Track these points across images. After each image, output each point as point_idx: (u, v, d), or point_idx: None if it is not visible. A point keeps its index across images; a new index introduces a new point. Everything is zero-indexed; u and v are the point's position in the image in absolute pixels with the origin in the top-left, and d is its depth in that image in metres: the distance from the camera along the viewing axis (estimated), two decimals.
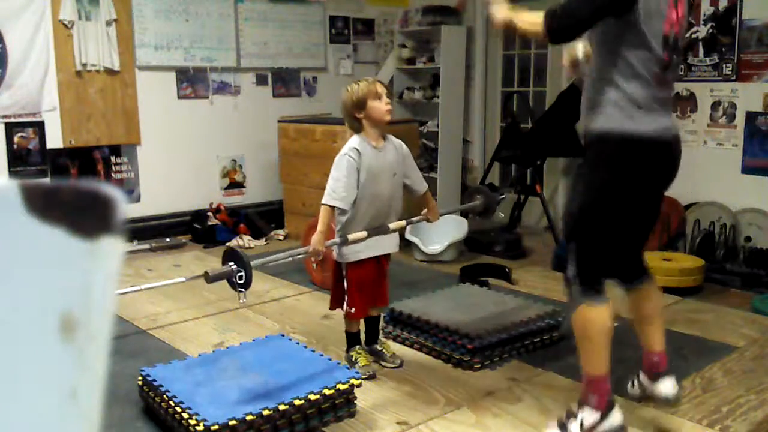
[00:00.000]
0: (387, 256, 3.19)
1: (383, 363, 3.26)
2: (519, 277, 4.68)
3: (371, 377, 3.09)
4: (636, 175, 2.26)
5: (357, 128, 3.01)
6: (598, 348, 2.32)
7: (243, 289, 2.71)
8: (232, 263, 2.73)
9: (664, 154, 2.28)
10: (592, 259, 2.32)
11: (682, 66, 5.12)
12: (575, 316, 2.35)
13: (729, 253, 4.76)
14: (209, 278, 2.72)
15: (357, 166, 2.94)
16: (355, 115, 2.96)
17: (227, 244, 5.72)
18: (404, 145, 3.15)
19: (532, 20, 2.27)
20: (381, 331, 3.45)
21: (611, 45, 2.22)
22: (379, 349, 3.29)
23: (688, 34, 5.06)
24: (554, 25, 2.19)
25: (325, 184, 3.02)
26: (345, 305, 3.12)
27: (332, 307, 3.24)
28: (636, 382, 2.65)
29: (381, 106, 2.93)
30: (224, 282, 4.68)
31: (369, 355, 3.27)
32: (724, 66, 4.93)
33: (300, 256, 3.22)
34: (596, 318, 2.30)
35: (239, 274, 2.70)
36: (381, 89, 2.94)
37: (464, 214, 6.03)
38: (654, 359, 2.56)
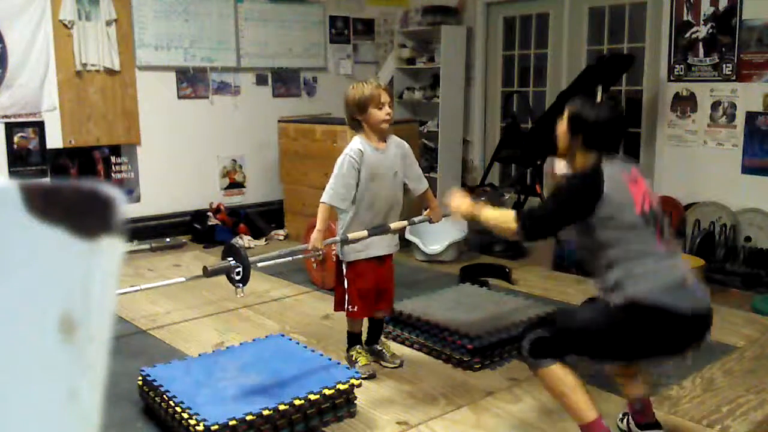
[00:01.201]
0: (389, 257, 3.19)
1: (383, 363, 3.26)
2: (519, 277, 4.68)
3: (371, 377, 3.09)
4: (659, 345, 2.26)
5: (356, 128, 3.02)
6: (576, 397, 2.30)
7: (241, 285, 2.72)
8: (231, 259, 2.74)
9: (698, 329, 2.28)
10: (563, 354, 2.31)
11: (682, 66, 5.12)
12: (542, 377, 2.35)
13: (729, 253, 4.76)
14: (208, 273, 2.73)
15: (357, 167, 2.94)
16: (354, 116, 2.98)
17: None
18: (406, 144, 3.15)
19: (502, 219, 2.42)
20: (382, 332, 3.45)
21: (608, 242, 2.26)
22: (380, 349, 3.29)
23: (688, 34, 5.06)
24: (527, 229, 2.34)
25: (325, 184, 3.03)
26: (346, 305, 3.11)
27: (336, 309, 3.23)
28: (626, 421, 2.62)
29: (380, 115, 2.92)
30: (224, 282, 4.67)
31: (369, 354, 3.27)
32: (724, 66, 4.93)
33: (299, 255, 3.22)
34: (559, 373, 2.29)
35: (237, 270, 2.71)
36: (385, 97, 2.93)
37: None
38: (637, 406, 2.52)
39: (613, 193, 2.25)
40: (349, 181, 2.95)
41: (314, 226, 3.03)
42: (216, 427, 2.35)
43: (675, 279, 2.23)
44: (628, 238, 2.24)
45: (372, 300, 3.13)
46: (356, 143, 2.98)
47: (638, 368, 2.51)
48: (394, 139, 3.11)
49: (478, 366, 3.19)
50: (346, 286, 3.10)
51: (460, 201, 2.61)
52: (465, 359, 3.20)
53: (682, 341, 2.28)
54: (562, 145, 2.45)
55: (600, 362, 2.37)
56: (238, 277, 2.71)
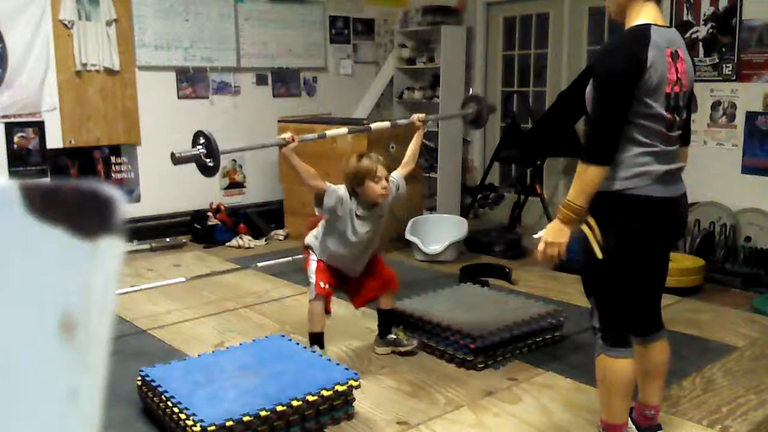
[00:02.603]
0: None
1: (402, 349, 3.34)
2: (519, 277, 4.68)
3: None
4: (642, 235, 2.23)
5: (353, 195, 3.12)
6: (615, 397, 2.30)
7: (211, 174, 2.75)
8: (201, 147, 2.74)
9: (670, 214, 2.25)
10: (612, 312, 2.31)
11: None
12: (597, 363, 2.34)
13: (729, 253, 4.76)
14: (175, 159, 2.73)
15: (339, 201, 3.04)
16: (353, 188, 3.08)
17: (227, 244, 5.73)
18: (393, 177, 3.19)
19: (580, 179, 2.17)
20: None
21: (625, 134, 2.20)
22: (394, 337, 3.37)
23: (688, 34, 5.06)
24: (590, 155, 2.15)
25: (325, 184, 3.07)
26: (312, 284, 3.17)
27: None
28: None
29: (376, 189, 3.04)
30: (225, 282, 4.68)
31: (385, 346, 3.37)
32: (724, 66, 4.93)
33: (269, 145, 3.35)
34: (617, 369, 2.28)
35: (207, 160, 2.73)
36: (381, 172, 3.04)
37: (464, 214, 6.04)
38: (648, 413, 2.52)
39: (655, 64, 2.10)
40: (336, 195, 3.04)
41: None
42: (213, 427, 2.35)
43: (658, 176, 2.19)
44: (644, 123, 2.15)
45: (338, 276, 3.23)
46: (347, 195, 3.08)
47: (662, 344, 2.49)
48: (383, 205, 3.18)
49: (481, 366, 3.19)
50: (313, 265, 3.19)
51: (554, 235, 2.25)
52: (468, 359, 3.20)
53: (660, 229, 2.25)
54: (614, 5, 2.26)
55: (625, 284, 2.28)
56: (209, 166, 2.71)
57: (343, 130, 3.52)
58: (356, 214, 3.08)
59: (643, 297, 2.41)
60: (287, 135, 2.94)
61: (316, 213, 3.09)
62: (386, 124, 3.57)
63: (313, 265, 3.20)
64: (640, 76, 2.10)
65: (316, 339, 3.24)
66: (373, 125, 3.59)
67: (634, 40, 2.14)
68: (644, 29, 2.14)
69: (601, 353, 2.31)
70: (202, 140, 2.80)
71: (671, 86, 2.16)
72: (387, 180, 3.09)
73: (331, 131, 3.44)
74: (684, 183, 2.33)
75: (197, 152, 2.72)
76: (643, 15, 2.18)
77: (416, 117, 3.42)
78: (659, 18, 2.21)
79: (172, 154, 2.71)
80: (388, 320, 3.38)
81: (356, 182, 3.06)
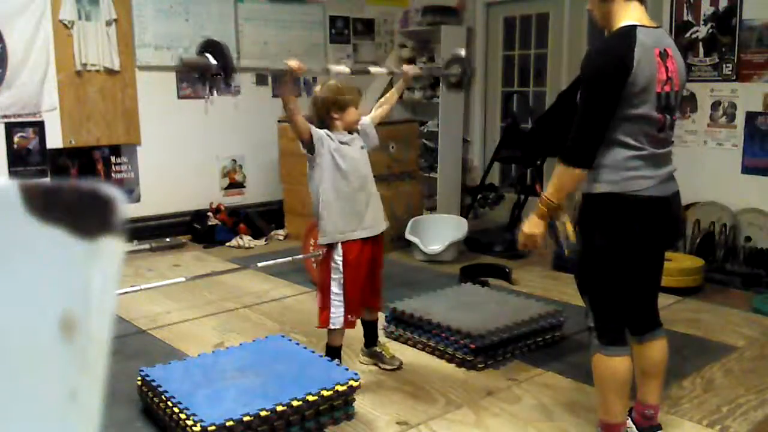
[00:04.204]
0: (379, 247, 3.09)
1: (382, 365, 3.23)
2: (519, 277, 4.68)
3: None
4: (633, 234, 2.22)
5: (323, 125, 2.97)
6: (612, 397, 2.30)
7: (213, 92, 2.53)
8: (211, 57, 2.41)
9: (661, 213, 2.24)
10: (606, 311, 2.30)
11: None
12: (593, 362, 2.34)
13: (729, 253, 4.76)
14: (183, 62, 2.52)
15: (320, 140, 2.90)
16: (331, 114, 2.95)
17: (227, 244, 5.73)
18: (363, 120, 3.10)
19: (558, 179, 2.23)
20: (382, 332, 3.44)
21: (610, 138, 2.19)
22: (379, 350, 3.26)
23: (688, 34, 5.05)
24: (571, 156, 2.18)
25: None
26: (338, 314, 2.98)
27: (323, 324, 3.06)
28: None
29: (356, 115, 3.01)
30: (225, 282, 4.67)
31: (368, 357, 3.27)
32: (724, 66, 4.93)
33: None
34: (613, 367, 2.28)
35: (219, 71, 2.41)
36: (359, 98, 3.05)
37: (464, 214, 6.04)
38: (648, 412, 2.51)
39: (642, 64, 2.08)
40: (317, 136, 2.91)
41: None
42: (213, 427, 2.35)
43: (647, 179, 2.19)
44: (633, 125, 2.14)
45: (364, 297, 3.04)
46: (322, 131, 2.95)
47: (660, 342, 2.48)
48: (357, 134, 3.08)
49: (481, 366, 3.19)
50: (337, 287, 2.97)
51: (530, 227, 2.37)
52: (468, 359, 3.20)
53: (651, 228, 2.24)
54: (598, 12, 2.25)
55: (618, 284, 2.29)
56: (215, 78, 2.40)
57: (346, 69, 3.54)
58: (340, 142, 2.94)
59: (638, 296, 2.41)
60: (294, 63, 2.88)
61: (306, 154, 2.96)
62: (383, 70, 3.84)
63: (337, 278, 2.96)
64: (625, 77, 2.09)
65: (335, 351, 3.11)
66: (372, 69, 3.80)
67: (620, 41, 2.14)
68: (630, 30, 2.13)
69: (597, 352, 2.31)
70: (213, 51, 2.46)
71: (662, 85, 2.15)
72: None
73: (334, 67, 3.50)
74: (676, 182, 2.32)
75: (210, 62, 2.38)
76: (628, 16, 2.17)
77: (407, 67, 3.50)
78: (645, 18, 2.20)
79: (180, 58, 2.50)
80: (372, 331, 3.28)
81: (337, 107, 2.93)
